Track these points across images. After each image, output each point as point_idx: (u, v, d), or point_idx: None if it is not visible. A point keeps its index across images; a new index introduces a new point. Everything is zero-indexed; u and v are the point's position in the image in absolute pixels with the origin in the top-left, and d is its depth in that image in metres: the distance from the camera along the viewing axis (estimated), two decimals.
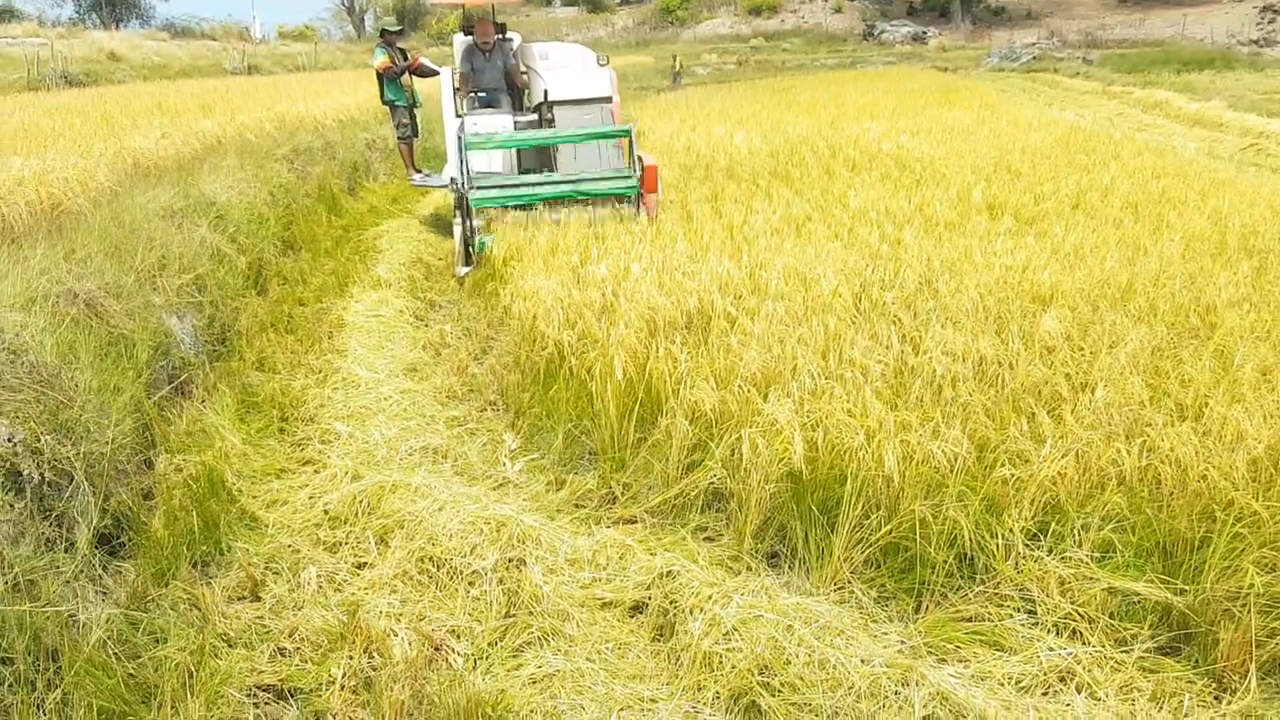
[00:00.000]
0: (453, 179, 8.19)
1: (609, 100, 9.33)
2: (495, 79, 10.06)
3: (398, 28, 12.56)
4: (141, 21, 59.25)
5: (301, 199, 10.28)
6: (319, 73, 32.69)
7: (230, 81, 26.16)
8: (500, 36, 10.18)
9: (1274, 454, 3.54)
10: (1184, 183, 8.88)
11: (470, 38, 10.14)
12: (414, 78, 11.75)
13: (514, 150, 9.17)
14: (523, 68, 10.10)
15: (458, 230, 8.20)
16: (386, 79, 11.48)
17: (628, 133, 8.36)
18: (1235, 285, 5.45)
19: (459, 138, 8.21)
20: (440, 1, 12.65)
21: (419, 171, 11.79)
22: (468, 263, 8.07)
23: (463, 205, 7.99)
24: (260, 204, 8.84)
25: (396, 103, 11.65)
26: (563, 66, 9.46)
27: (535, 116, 9.45)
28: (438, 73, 10.92)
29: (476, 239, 7.77)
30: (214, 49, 41.39)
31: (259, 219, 8.48)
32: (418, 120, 12.08)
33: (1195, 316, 4.98)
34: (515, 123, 9.30)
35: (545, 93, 9.13)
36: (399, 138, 11.90)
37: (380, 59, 11.44)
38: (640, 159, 8.02)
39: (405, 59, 11.67)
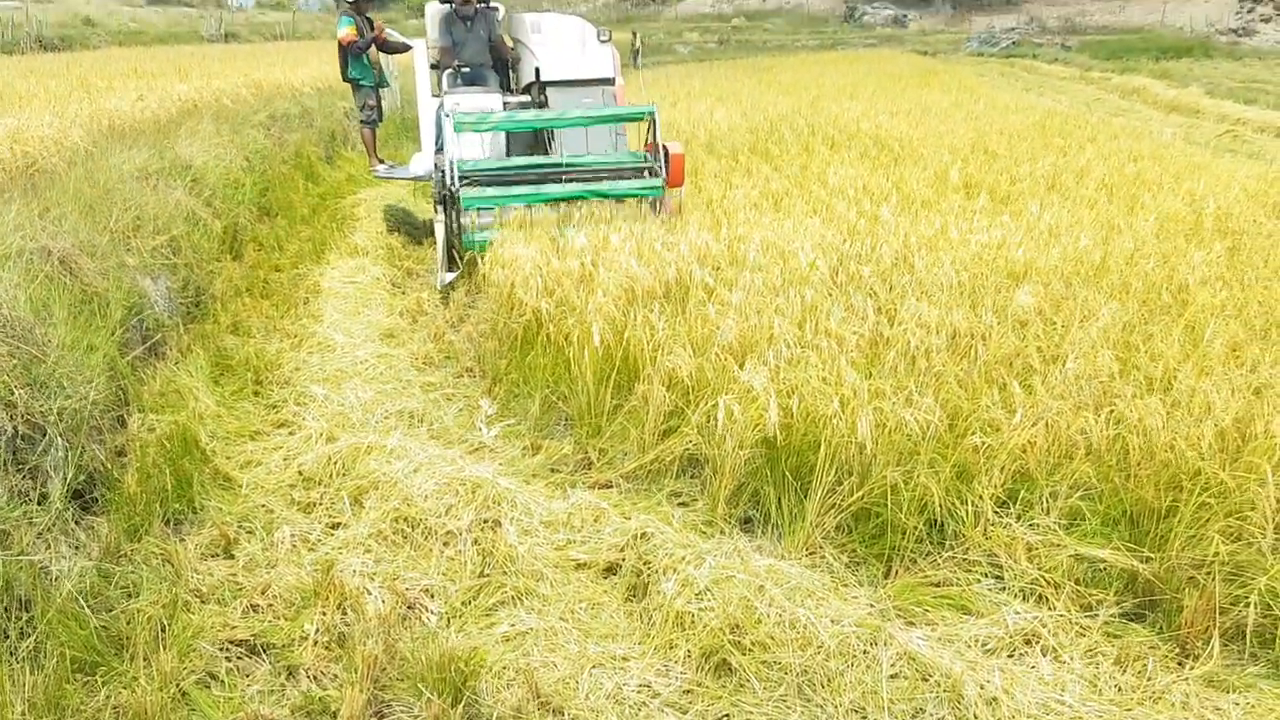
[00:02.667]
0: (436, 167, 6.92)
1: (611, 82, 8.19)
2: (479, 53, 8.88)
3: None
4: None
5: (278, 166, 10.20)
6: (297, 41, 32.37)
7: (207, 48, 25.90)
8: (484, 4, 9.04)
9: (1241, 425, 3.59)
10: (1159, 166, 8.96)
11: (447, 5, 8.98)
12: (381, 53, 10.23)
13: (503, 134, 8.01)
14: (510, 40, 9.04)
15: (440, 230, 6.93)
16: (350, 53, 9.75)
17: (650, 113, 7.06)
18: (1208, 265, 5.52)
19: (444, 118, 7.02)
20: None
21: (383, 161, 10.22)
22: (452, 267, 6.94)
23: (446, 200, 6.73)
24: (236, 169, 8.77)
25: (361, 81, 9.98)
26: (558, 42, 8.34)
27: (526, 98, 8.42)
28: (409, 47, 9.75)
29: (466, 237, 6.64)
30: (191, 16, 40.83)
31: (235, 184, 8.42)
32: (383, 103, 10.63)
33: (1167, 294, 5.04)
34: (505, 104, 8.20)
35: (537, 71, 8.06)
36: (362, 121, 10.21)
37: (345, 29, 9.70)
38: (665, 147, 6.94)
39: (372, 30, 9.93)
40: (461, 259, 6.72)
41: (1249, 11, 44.66)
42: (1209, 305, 4.82)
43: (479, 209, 6.64)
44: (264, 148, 10.19)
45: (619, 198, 6.80)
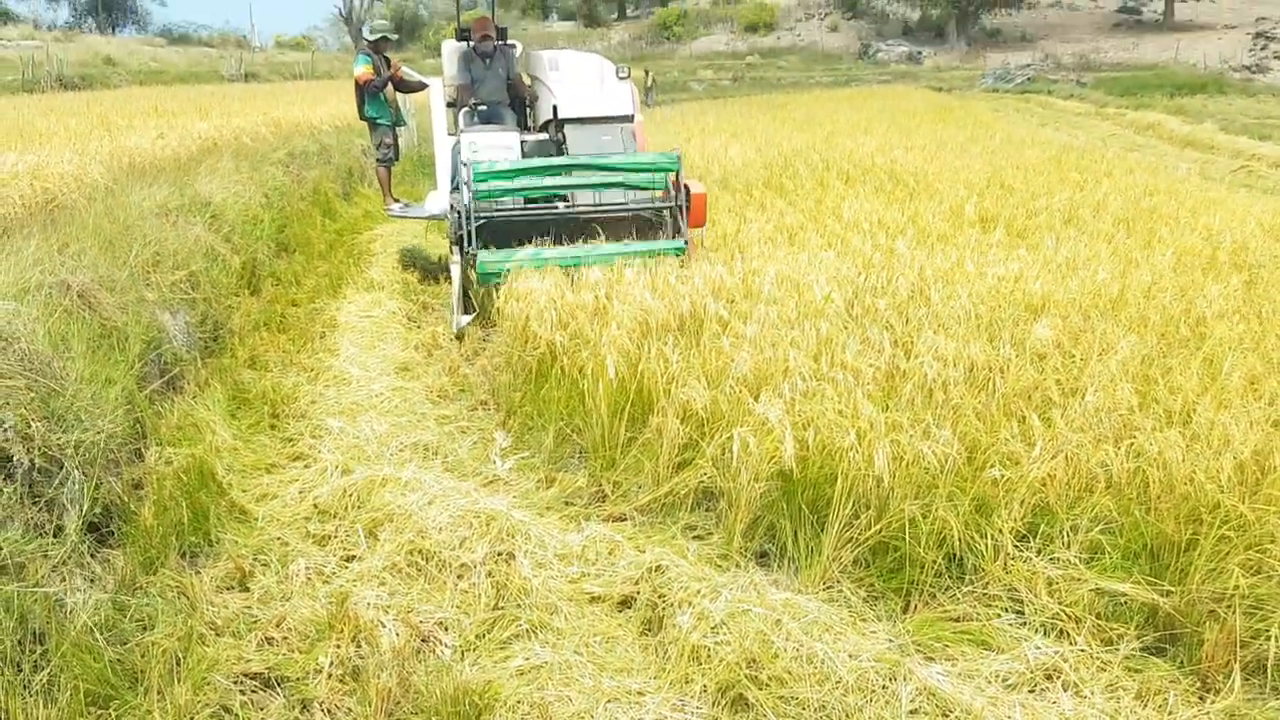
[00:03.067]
0: (452, 208, 6.74)
1: (630, 119, 8.05)
2: (497, 90, 8.78)
3: (394, 35, 10.73)
4: (138, 27, 59.42)
5: (296, 202, 10.29)
6: (315, 81, 32.81)
7: (228, 88, 26.25)
8: (501, 41, 8.96)
9: (1260, 458, 3.56)
10: (1175, 200, 8.94)
11: (465, 43, 8.91)
12: (397, 92, 10.21)
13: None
14: (528, 78, 8.87)
15: (456, 272, 6.87)
16: (367, 92, 9.73)
17: (674, 166, 6.82)
18: (1226, 298, 5.49)
19: (460, 162, 6.91)
20: None
21: (398, 200, 10.06)
22: (468, 309, 6.90)
23: (463, 242, 6.61)
24: (255, 205, 8.85)
25: (378, 120, 9.91)
26: (576, 79, 8.15)
27: (544, 136, 8.23)
28: (425, 85, 9.69)
29: (480, 267, 6.36)
30: (211, 55, 41.50)
31: (253, 220, 8.49)
32: (400, 141, 10.54)
33: (1185, 327, 5.02)
34: (522, 142, 7.99)
35: (555, 108, 7.90)
36: (378, 160, 10.09)
37: (361, 68, 9.73)
38: (686, 186, 6.78)
39: (389, 68, 9.92)
40: (478, 300, 6.66)
41: (1262, 48, 44.80)
42: (1227, 338, 4.79)
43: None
44: (282, 185, 10.29)
45: (642, 256, 6.35)
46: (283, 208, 9.66)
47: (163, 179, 8.05)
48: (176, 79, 30.89)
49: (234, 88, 26.26)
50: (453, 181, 7.64)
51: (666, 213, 6.96)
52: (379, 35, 9.95)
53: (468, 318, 6.73)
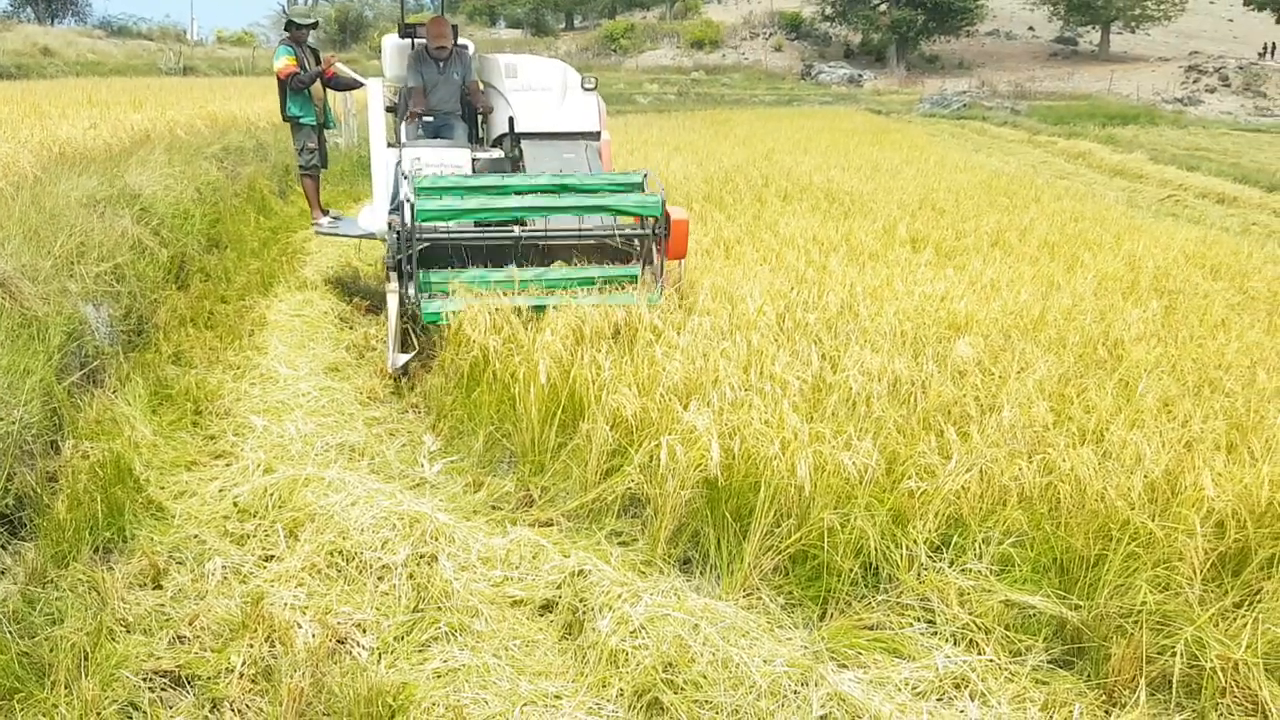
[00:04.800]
0: (391, 228, 5.78)
1: (596, 136, 7.23)
2: (450, 98, 7.80)
3: (309, 20, 9.18)
4: (77, 18, 58.20)
5: (230, 198, 10.14)
6: (256, 77, 32.28)
7: (164, 81, 25.77)
8: (455, 44, 7.96)
9: (1171, 477, 3.67)
10: (1101, 226, 9.20)
11: (409, 41, 8.02)
12: (327, 89, 9.02)
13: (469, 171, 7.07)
14: (481, 85, 7.97)
15: (392, 303, 5.84)
16: (292, 87, 8.59)
17: (658, 210, 5.91)
18: (1144, 322, 5.67)
19: (402, 173, 6.14)
20: None
21: (327, 213, 8.95)
22: (406, 346, 6.02)
23: (401, 267, 5.75)
24: (187, 200, 8.71)
25: (302, 120, 8.76)
26: (536, 88, 7.28)
27: (499, 153, 7.38)
28: (360, 84, 8.70)
29: (426, 309, 5.68)
30: (150, 49, 40.77)
31: (184, 214, 8.35)
32: (325, 145, 9.29)
33: (1103, 349, 5.17)
34: (474, 159, 7.24)
35: (511, 121, 7.09)
36: (301, 166, 8.94)
37: (282, 60, 8.55)
38: (667, 213, 5.92)
39: (318, 62, 8.81)
40: (419, 335, 6.01)
41: (1195, 82, 46.23)
42: (1143, 361, 4.94)
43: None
44: (216, 180, 10.14)
45: (607, 281, 5.82)
46: (215, 203, 9.51)
47: (93, 169, 7.91)
48: (113, 71, 30.30)
49: (171, 81, 25.81)
50: (393, 201, 6.68)
51: (638, 241, 6.19)
52: (289, 21, 8.92)
53: (405, 356, 5.95)
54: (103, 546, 3.84)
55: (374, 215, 7.47)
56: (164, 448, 4.82)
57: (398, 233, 5.70)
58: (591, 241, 6.23)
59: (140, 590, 3.63)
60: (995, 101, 41.30)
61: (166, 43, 45.62)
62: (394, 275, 5.80)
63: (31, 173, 7.56)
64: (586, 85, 7.41)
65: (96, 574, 3.56)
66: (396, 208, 6.06)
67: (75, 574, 3.55)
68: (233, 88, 20.98)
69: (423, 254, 5.78)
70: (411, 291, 5.73)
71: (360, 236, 8.33)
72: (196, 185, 9.34)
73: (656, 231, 5.98)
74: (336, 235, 8.83)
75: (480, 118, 8.07)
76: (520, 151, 7.08)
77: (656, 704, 3.00)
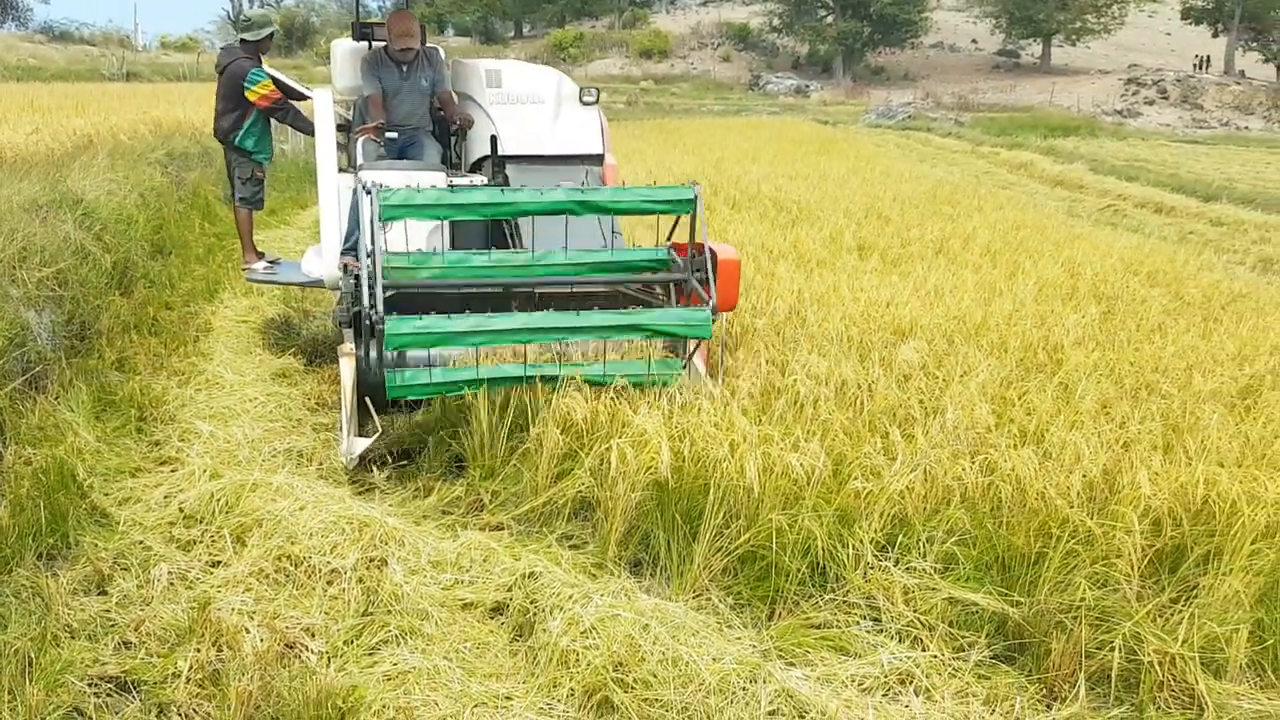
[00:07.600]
0: (348, 272, 4.87)
1: (599, 160, 6.08)
2: (416, 110, 6.43)
3: (270, 27, 7.60)
4: (18, 24, 57.00)
5: (174, 204, 10.01)
6: (200, 83, 31.84)
7: (108, 86, 25.36)
8: (422, 46, 6.62)
9: (1109, 477, 3.78)
10: (1042, 235, 9.40)
11: (363, 45, 6.73)
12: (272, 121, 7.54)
13: (447, 223, 5.65)
14: (456, 96, 6.63)
15: (347, 372, 4.77)
16: (274, 116, 7.31)
17: (691, 205, 4.69)
18: (1083, 327, 5.81)
19: (365, 189, 4.53)
20: None
21: (261, 256, 7.54)
22: (365, 428, 4.72)
23: (358, 324, 4.63)
24: (130, 205, 8.58)
25: (255, 155, 7.42)
26: (524, 100, 6.08)
27: (480, 179, 6.02)
28: (306, 96, 7.19)
29: (392, 378, 4.55)
30: (93, 54, 40.06)
31: (128, 220, 8.23)
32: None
33: (1043, 353, 5.29)
34: (450, 186, 5.65)
35: (494, 141, 5.94)
36: (240, 199, 7.53)
37: (262, 84, 7.08)
38: (712, 250, 4.70)
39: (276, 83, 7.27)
40: (385, 410, 4.80)
41: (1134, 94, 47.25)
42: (1082, 364, 5.07)
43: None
44: (160, 185, 10.00)
45: (646, 336, 4.64)
46: (160, 209, 9.38)
47: (34, 174, 7.77)
48: (55, 76, 29.74)
49: (114, 86, 25.39)
50: (346, 239, 5.61)
51: (671, 286, 5.04)
52: (244, 36, 7.38)
53: (364, 442, 4.58)
54: (46, 553, 3.78)
55: (321, 259, 5.97)
56: (108, 454, 4.75)
57: (355, 278, 4.61)
58: (604, 291, 5.15)
59: (85, 596, 3.59)
60: (939, 113, 41.89)
61: (110, 48, 44.83)
62: (348, 333, 4.79)
63: None
64: (586, 98, 6.23)
65: (40, 580, 3.52)
66: (351, 247, 5.18)
67: (19, 580, 3.50)
68: (177, 93, 20.71)
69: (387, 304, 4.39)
70: (373, 356, 4.62)
71: (305, 285, 6.89)
72: (140, 190, 9.21)
73: (697, 272, 4.69)
74: (274, 284, 7.40)
75: (454, 136, 6.71)
76: (505, 179, 5.92)
77: (607, 703, 3.03)
